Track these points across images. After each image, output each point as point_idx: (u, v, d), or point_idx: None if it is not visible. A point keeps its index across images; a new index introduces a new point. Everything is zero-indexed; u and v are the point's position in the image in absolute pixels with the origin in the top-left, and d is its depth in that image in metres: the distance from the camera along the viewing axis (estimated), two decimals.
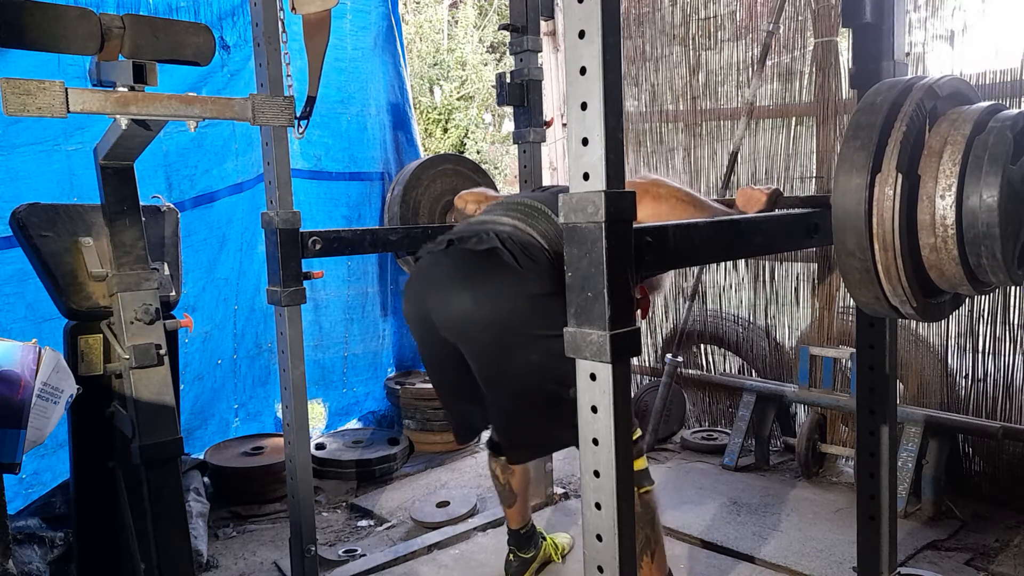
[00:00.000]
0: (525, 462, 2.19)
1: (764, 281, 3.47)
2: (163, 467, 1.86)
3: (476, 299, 1.73)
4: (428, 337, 1.90)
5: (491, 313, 1.71)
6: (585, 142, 1.04)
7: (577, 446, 1.82)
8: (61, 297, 1.97)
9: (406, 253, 2.63)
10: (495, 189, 2.84)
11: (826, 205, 1.52)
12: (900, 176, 1.17)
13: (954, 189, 1.17)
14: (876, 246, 1.20)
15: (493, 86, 2.92)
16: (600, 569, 1.09)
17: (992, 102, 1.27)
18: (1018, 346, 2.75)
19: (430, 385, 3.68)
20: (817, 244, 1.56)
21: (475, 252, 1.74)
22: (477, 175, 2.89)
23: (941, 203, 1.18)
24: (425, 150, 6.48)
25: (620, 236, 1.04)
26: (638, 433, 1.89)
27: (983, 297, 2.80)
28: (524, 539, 2.37)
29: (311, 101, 2.07)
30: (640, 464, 1.85)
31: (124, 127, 1.59)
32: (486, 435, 2.24)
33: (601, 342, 1.03)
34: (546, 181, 3.49)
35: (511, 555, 2.37)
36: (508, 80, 2.82)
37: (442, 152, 2.80)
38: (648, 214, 1.66)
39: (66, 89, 1.42)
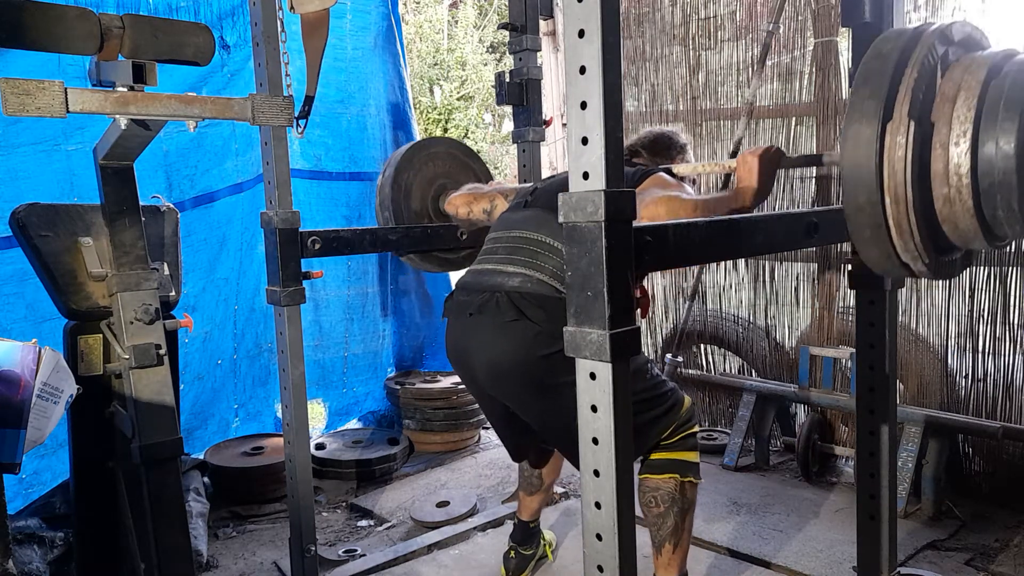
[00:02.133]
0: None
1: (764, 281, 3.47)
2: (163, 467, 1.86)
3: (504, 363, 1.78)
4: (473, 385, 1.99)
5: (521, 372, 1.77)
6: (585, 141, 1.04)
7: (643, 454, 1.88)
8: (61, 297, 1.97)
9: (408, 251, 2.62)
10: (488, 174, 2.81)
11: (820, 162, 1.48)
12: (912, 123, 1.11)
13: (969, 136, 1.11)
14: (887, 199, 1.14)
15: (493, 86, 2.92)
16: (600, 569, 1.09)
17: (1008, 47, 1.20)
18: (1018, 346, 2.75)
19: (430, 385, 3.70)
20: (817, 244, 1.56)
21: (502, 322, 1.76)
22: (469, 159, 2.81)
23: (955, 151, 1.12)
24: None
25: (620, 235, 1.04)
26: (696, 428, 1.91)
27: (983, 297, 2.80)
28: (530, 534, 2.37)
29: (310, 100, 2.07)
30: (694, 456, 1.89)
31: (124, 127, 1.59)
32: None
33: (601, 341, 1.03)
34: None
35: (512, 551, 2.36)
36: (508, 80, 2.82)
37: (408, 147, 2.73)
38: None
39: (65, 89, 1.42)
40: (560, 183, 1.97)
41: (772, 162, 1.70)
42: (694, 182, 2.36)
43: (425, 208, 2.66)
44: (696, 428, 1.92)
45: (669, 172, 1.89)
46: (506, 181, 2.54)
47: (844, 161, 1.18)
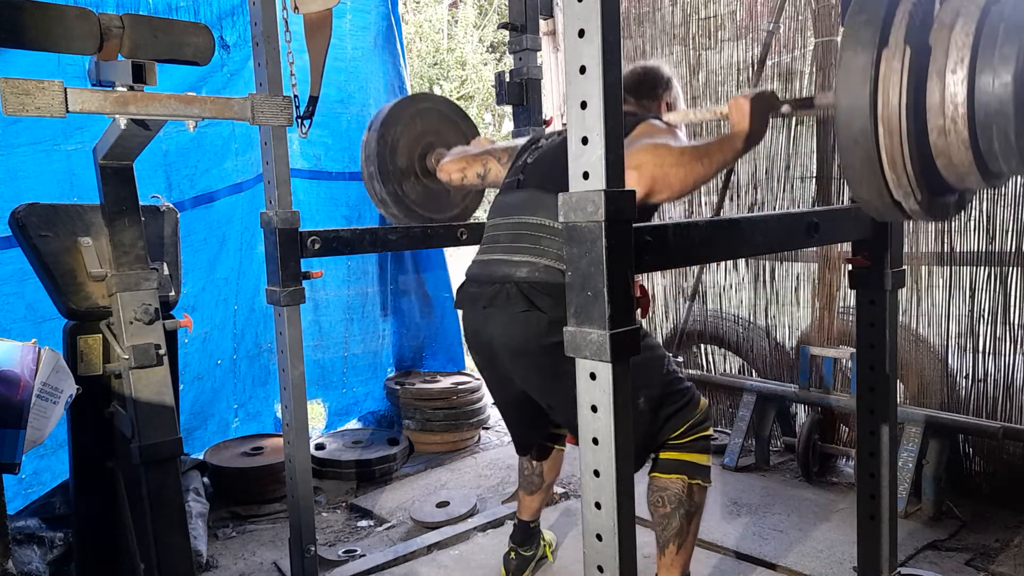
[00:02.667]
0: None
1: (764, 281, 3.47)
2: (162, 467, 1.85)
3: (522, 349, 1.81)
4: (490, 370, 2.01)
5: (537, 358, 1.79)
6: (585, 141, 1.04)
7: (653, 450, 1.87)
8: (60, 297, 1.97)
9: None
10: (475, 130, 2.74)
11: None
12: (908, 49, 1.08)
13: (966, 63, 1.07)
14: (881, 130, 1.11)
15: (493, 85, 2.92)
16: (600, 569, 1.09)
17: None
18: (1018, 346, 2.75)
19: (430, 385, 3.69)
20: (817, 244, 1.56)
21: (514, 312, 1.78)
22: (458, 117, 2.74)
23: (952, 79, 1.08)
24: None
25: (620, 235, 1.04)
26: (710, 431, 1.91)
27: (984, 297, 2.80)
28: (530, 535, 2.37)
29: (314, 101, 2.07)
30: (705, 459, 1.89)
31: (123, 127, 1.59)
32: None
33: (601, 341, 1.03)
34: None
35: (512, 552, 2.36)
36: (508, 79, 2.82)
37: (391, 105, 2.65)
38: (662, 198, 1.63)
39: (65, 89, 1.42)
40: (551, 157, 1.94)
41: (765, 104, 1.68)
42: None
43: (411, 165, 2.59)
44: (710, 431, 1.91)
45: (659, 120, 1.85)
46: (492, 140, 2.46)
47: (838, 90, 1.14)
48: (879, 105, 1.10)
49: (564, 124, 2.09)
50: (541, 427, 2.19)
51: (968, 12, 1.10)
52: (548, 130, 2.47)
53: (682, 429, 1.85)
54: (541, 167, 1.95)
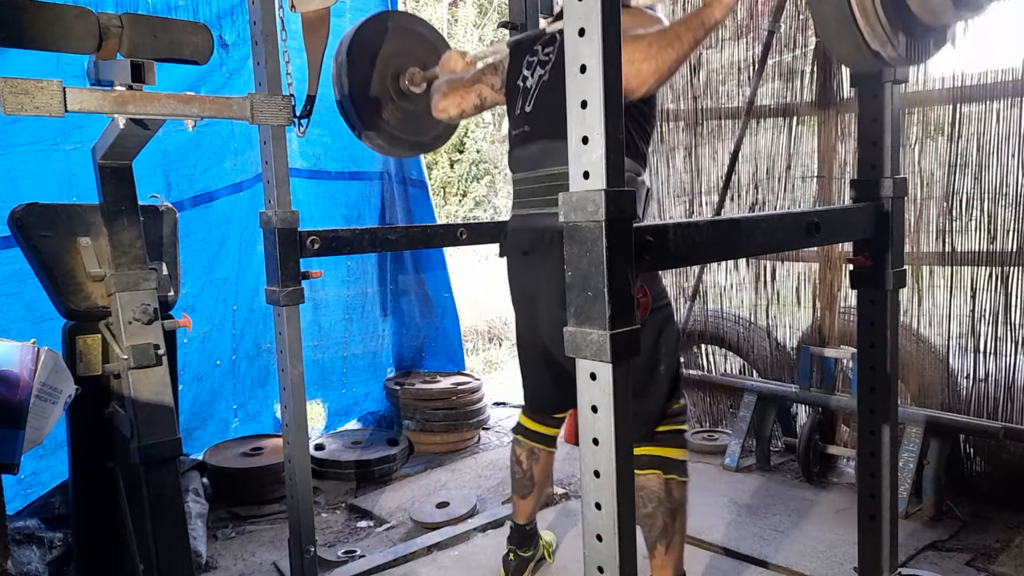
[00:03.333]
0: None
1: (765, 281, 3.46)
2: (162, 467, 1.85)
3: (561, 297, 1.78)
4: (526, 319, 2.06)
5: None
6: (585, 141, 1.03)
7: (661, 420, 1.87)
8: (59, 297, 1.97)
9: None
10: (443, 43, 2.64)
11: None
12: None
13: None
14: (866, 35, 1.10)
15: None
16: (600, 569, 1.09)
17: None
18: (1019, 346, 2.75)
19: (430, 385, 3.69)
20: (818, 244, 1.55)
21: (555, 264, 1.76)
22: (421, 27, 2.61)
23: None
24: None
25: (620, 235, 1.04)
26: (686, 427, 1.91)
27: (984, 297, 2.79)
28: (527, 536, 2.36)
29: (311, 100, 2.06)
30: (681, 454, 1.87)
31: (122, 126, 1.59)
32: (510, 423, 2.25)
33: (601, 342, 1.03)
34: None
35: (511, 554, 2.36)
36: None
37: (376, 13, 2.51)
38: (635, 88, 1.61)
39: (64, 88, 1.41)
40: (549, 100, 1.90)
41: None
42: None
43: (387, 92, 2.49)
44: (686, 426, 1.91)
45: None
46: (464, 52, 2.32)
47: None
48: None
49: (545, 27, 2.01)
50: (553, 398, 2.17)
51: None
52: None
53: (671, 407, 1.85)
54: (542, 115, 1.93)
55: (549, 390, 2.16)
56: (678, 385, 1.89)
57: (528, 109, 1.97)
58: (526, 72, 2.00)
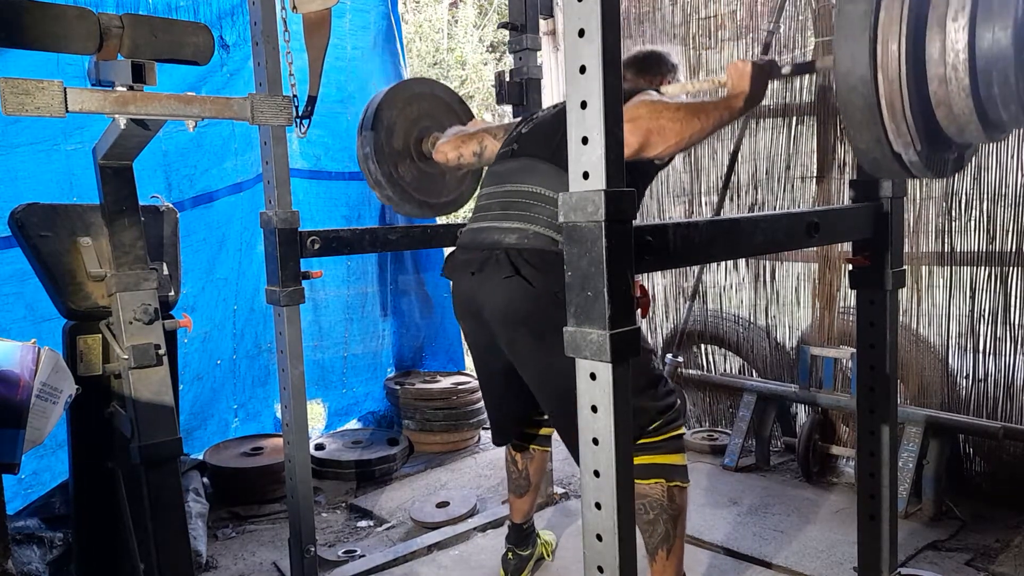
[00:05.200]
0: None
1: (764, 281, 3.47)
2: (162, 467, 1.85)
3: (509, 315, 1.79)
4: (481, 341, 1.98)
5: (522, 325, 1.77)
6: (585, 141, 1.04)
7: (642, 435, 1.85)
8: (60, 297, 1.97)
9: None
10: (470, 113, 2.74)
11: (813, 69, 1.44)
12: None
13: (967, 11, 1.08)
14: (880, 78, 1.11)
15: (493, 85, 2.92)
16: (600, 569, 1.09)
17: None
18: (1019, 346, 2.75)
19: (430, 385, 3.69)
20: (818, 244, 1.55)
21: (500, 278, 1.77)
22: (454, 102, 2.73)
23: (953, 27, 1.08)
24: None
25: (620, 235, 1.04)
26: (683, 430, 1.88)
27: (984, 297, 2.80)
28: (525, 535, 2.37)
29: (312, 100, 2.07)
30: (680, 459, 1.85)
31: (123, 127, 1.59)
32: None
33: (601, 342, 1.03)
34: None
35: (509, 553, 2.36)
36: (507, 79, 2.81)
37: (389, 88, 2.66)
38: (657, 151, 1.62)
39: (65, 89, 1.42)
40: (545, 127, 1.93)
41: (764, 70, 1.68)
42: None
43: (407, 148, 2.58)
44: (683, 430, 1.89)
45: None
46: (489, 120, 2.45)
47: (837, 38, 1.14)
48: (879, 53, 1.10)
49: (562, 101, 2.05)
50: (521, 412, 2.13)
51: None
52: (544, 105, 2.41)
53: (658, 422, 1.82)
54: (535, 136, 1.93)
55: (511, 411, 2.13)
56: (651, 399, 1.84)
57: (524, 131, 1.99)
58: (528, 121, 2.04)
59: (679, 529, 1.86)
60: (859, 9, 1.11)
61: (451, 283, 1.98)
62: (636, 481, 1.83)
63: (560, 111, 1.99)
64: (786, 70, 1.72)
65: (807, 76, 3.21)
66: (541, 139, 1.90)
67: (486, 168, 2.08)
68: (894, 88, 1.10)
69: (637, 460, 1.84)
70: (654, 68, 2.03)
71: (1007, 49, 1.06)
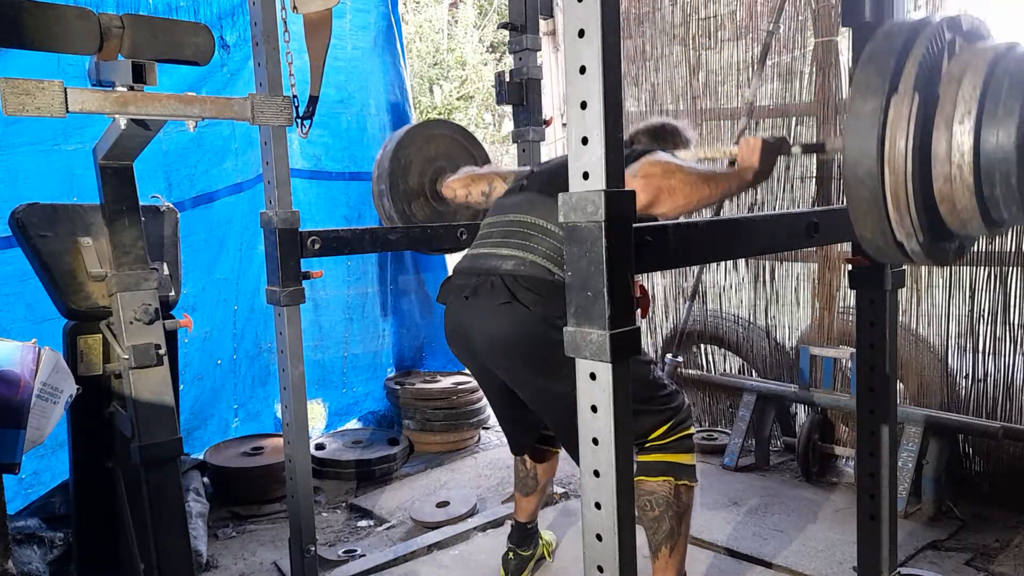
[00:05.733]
0: None
1: (764, 281, 3.47)
2: (162, 467, 1.85)
3: (500, 341, 1.80)
4: (473, 363, 1.99)
5: (516, 351, 1.79)
6: (585, 141, 1.04)
7: (647, 441, 1.87)
8: (60, 297, 1.97)
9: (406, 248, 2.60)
10: (487, 159, 2.78)
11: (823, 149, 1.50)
12: (917, 95, 1.13)
13: (973, 114, 1.12)
14: (886, 170, 1.15)
15: (493, 85, 2.92)
16: (600, 569, 1.09)
17: (1012, 40, 1.21)
18: (1018, 346, 2.75)
19: (430, 385, 3.69)
20: (817, 244, 1.56)
21: (494, 304, 1.78)
22: (470, 144, 2.79)
23: (959, 128, 1.13)
24: None
25: (620, 235, 1.04)
26: (692, 430, 1.90)
27: (983, 297, 2.80)
28: (528, 535, 2.37)
29: (314, 101, 2.07)
30: (689, 459, 1.87)
31: (123, 127, 1.59)
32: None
33: (601, 342, 1.03)
34: None
35: (510, 553, 2.36)
36: (507, 79, 2.82)
37: (411, 126, 2.72)
38: (664, 209, 1.66)
39: (65, 89, 1.42)
40: (557, 166, 1.98)
41: (774, 147, 1.71)
42: None
43: (422, 187, 2.63)
44: (692, 430, 1.91)
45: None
46: (503, 165, 2.51)
47: (847, 134, 1.18)
48: (887, 148, 1.14)
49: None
50: (532, 426, 2.16)
51: (976, 67, 1.15)
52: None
53: (664, 428, 1.84)
54: (543, 174, 1.99)
55: (523, 425, 2.14)
56: (657, 408, 1.84)
57: (535, 170, 2.05)
58: (542, 164, 2.11)
59: (683, 527, 1.88)
60: (869, 105, 1.16)
61: (444, 308, 1.98)
62: (644, 478, 1.85)
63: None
64: (795, 150, 1.76)
65: (806, 77, 3.22)
66: (547, 177, 1.95)
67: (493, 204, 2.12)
68: (899, 182, 1.15)
69: (646, 457, 1.86)
70: (668, 138, 2.10)
71: (1010, 152, 1.11)
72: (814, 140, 3.17)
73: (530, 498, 2.33)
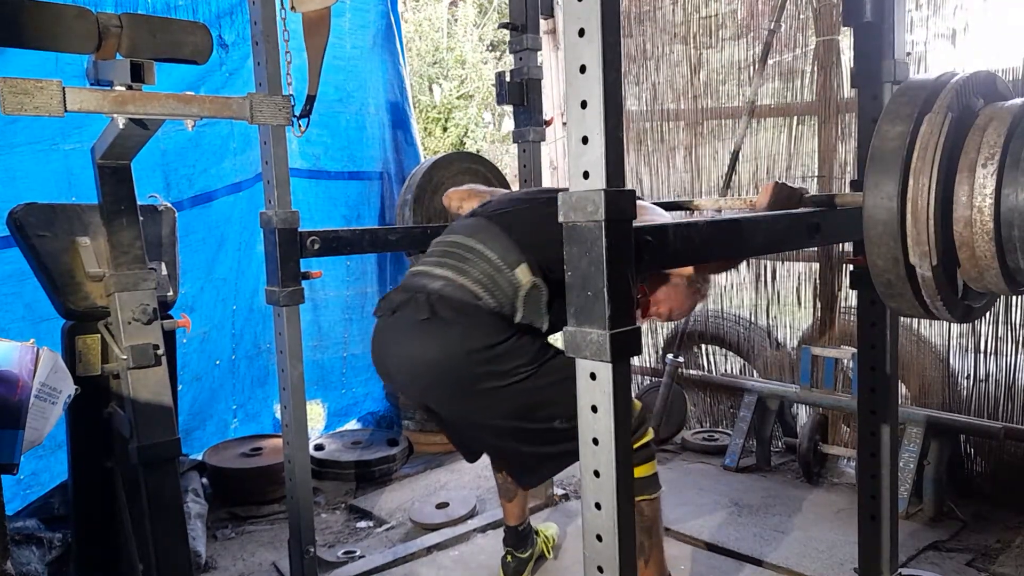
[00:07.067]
0: (535, 486, 2.32)
1: (765, 281, 3.46)
2: (161, 468, 1.85)
3: (425, 365, 1.77)
4: (392, 384, 2.01)
5: (441, 375, 1.75)
6: (585, 141, 1.03)
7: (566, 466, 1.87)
8: (59, 297, 1.97)
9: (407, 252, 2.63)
10: (505, 187, 2.82)
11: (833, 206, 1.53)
12: (940, 149, 1.16)
13: (997, 158, 1.15)
14: (908, 212, 1.17)
15: (493, 85, 2.91)
16: (600, 569, 1.09)
17: None
18: (1020, 346, 2.74)
19: None
20: (819, 244, 1.55)
21: (415, 320, 1.75)
22: (491, 174, 2.83)
23: (982, 172, 1.16)
24: (424, 149, 6.48)
25: (620, 235, 1.03)
26: (650, 435, 1.83)
27: None
28: (522, 537, 2.36)
29: (311, 100, 2.06)
30: (646, 470, 1.81)
31: (121, 126, 1.58)
32: None
33: (601, 341, 1.03)
34: (546, 180, 3.47)
35: (508, 556, 2.36)
36: (508, 79, 2.81)
37: (457, 151, 2.77)
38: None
39: (63, 88, 1.41)
40: (522, 195, 2.02)
41: (792, 196, 1.70)
42: None
43: (444, 209, 2.62)
44: (649, 435, 1.82)
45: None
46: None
47: (870, 172, 1.21)
48: (909, 190, 1.18)
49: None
50: (468, 441, 2.14)
51: (1001, 117, 1.19)
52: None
53: None
54: (504, 201, 1.97)
55: (463, 437, 2.11)
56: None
57: (509, 196, 2.04)
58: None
59: (655, 539, 1.84)
60: (891, 146, 1.20)
61: (373, 328, 1.95)
62: None
63: (540, 190, 2.25)
64: (807, 200, 1.75)
65: (807, 76, 3.21)
66: (506, 203, 1.94)
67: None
68: (920, 221, 1.17)
69: None
70: None
71: None
72: (814, 150, 3.18)
73: (514, 503, 2.32)
